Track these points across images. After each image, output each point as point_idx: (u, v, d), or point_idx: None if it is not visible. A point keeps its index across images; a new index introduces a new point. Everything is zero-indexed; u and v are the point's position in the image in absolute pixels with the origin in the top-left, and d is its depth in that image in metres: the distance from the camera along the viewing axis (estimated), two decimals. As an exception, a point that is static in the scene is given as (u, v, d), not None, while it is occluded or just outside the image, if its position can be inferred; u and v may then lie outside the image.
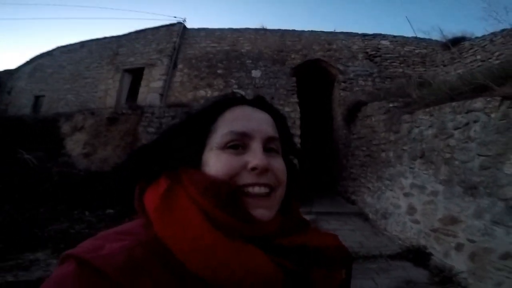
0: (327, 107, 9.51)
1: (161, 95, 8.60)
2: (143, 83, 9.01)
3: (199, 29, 10.08)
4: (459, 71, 7.56)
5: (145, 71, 9.11)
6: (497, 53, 6.81)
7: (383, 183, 4.83)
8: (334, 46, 9.30)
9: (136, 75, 9.59)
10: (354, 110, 6.85)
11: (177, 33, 9.59)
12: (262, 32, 9.84)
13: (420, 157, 3.89)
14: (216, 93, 8.48)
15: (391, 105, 5.23)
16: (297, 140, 5.49)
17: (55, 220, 4.09)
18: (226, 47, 9.47)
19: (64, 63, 10.77)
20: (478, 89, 3.21)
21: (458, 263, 2.94)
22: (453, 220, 3.13)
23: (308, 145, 6.87)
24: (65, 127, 6.93)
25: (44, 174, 5.18)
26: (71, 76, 10.34)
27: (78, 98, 9.84)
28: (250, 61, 8.97)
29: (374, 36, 9.69)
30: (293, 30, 9.86)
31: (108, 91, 9.38)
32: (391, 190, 4.56)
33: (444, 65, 8.46)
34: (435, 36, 10.13)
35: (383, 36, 9.68)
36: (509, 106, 2.66)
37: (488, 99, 2.89)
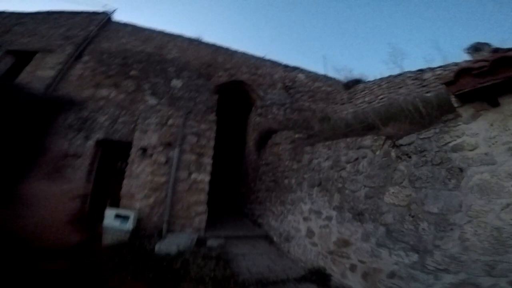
0: (242, 131, 9.45)
1: (48, 86, 6.75)
2: (28, 68, 6.95)
3: (126, 24, 8.77)
4: (351, 110, 8.74)
5: (37, 56, 7.09)
6: (380, 96, 8.07)
7: (286, 207, 4.79)
8: (260, 72, 9.53)
9: (23, 59, 7.40)
10: (265, 137, 6.98)
11: (98, 22, 8.05)
12: (196, 42, 9.31)
13: (318, 185, 3.96)
14: (122, 95, 7.24)
15: (296, 135, 5.48)
16: (208, 160, 4.95)
17: None
18: (150, 50, 8.45)
19: None
20: (367, 127, 3.45)
21: (354, 282, 3.02)
22: (346, 243, 3.26)
23: (220, 166, 6.42)
24: None
25: None
26: None
27: None
28: (174, 69, 8.17)
29: (294, 68, 10.46)
30: (227, 48, 9.70)
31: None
32: (292, 214, 4.54)
33: (342, 103, 9.67)
34: (342, 75, 11.65)
35: (301, 70, 10.56)
36: (390, 145, 2.85)
37: (375, 138, 3.09)
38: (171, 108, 7.21)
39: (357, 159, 3.34)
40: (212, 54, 9.24)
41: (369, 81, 9.30)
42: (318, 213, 3.90)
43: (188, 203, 4.71)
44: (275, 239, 5.06)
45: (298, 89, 9.71)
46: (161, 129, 5.06)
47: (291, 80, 9.88)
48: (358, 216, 3.14)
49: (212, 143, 5.12)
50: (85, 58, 7.58)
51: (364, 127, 3.60)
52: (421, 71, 7.41)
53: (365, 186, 3.13)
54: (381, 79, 8.56)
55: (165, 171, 4.77)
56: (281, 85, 9.50)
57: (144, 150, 4.88)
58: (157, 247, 3.83)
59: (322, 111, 8.99)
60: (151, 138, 5.00)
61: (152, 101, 7.25)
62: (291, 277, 3.64)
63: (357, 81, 9.87)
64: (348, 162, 3.49)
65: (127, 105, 6.88)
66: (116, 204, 5.69)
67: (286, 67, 10.39)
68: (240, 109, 9.71)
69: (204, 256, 3.76)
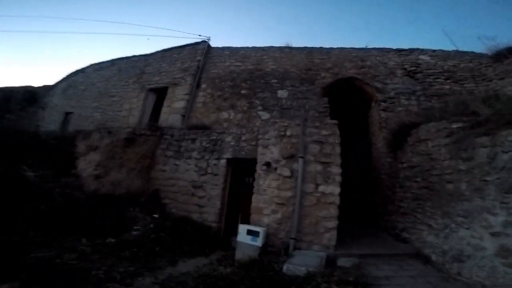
0: (363, 130, 8.50)
1: (183, 116, 8.15)
2: (165, 103, 8.69)
3: (223, 48, 9.80)
4: None
5: (169, 91, 8.82)
6: None
7: (453, 219, 3.77)
8: (368, 63, 8.46)
9: (161, 94, 9.36)
10: (400, 134, 5.86)
11: (201, 51, 9.35)
12: (287, 50, 9.31)
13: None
14: (239, 115, 7.88)
15: (454, 126, 4.17)
16: (336, 170, 4.56)
17: (43, 246, 3.47)
18: (250, 66, 9.01)
19: (95, 80, 10.94)
20: None
21: None
22: None
23: (349, 174, 5.85)
24: (81, 146, 6.58)
25: (44, 194, 4.68)
26: (99, 94, 10.41)
27: (103, 116, 9.75)
28: (276, 81, 8.36)
29: (411, 51, 8.75)
30: (321, 48, 9.22)
31: (131, 110, 9.18)
32: (467, 228, 3.49)
33: (501, 78, 7.23)
34: (476, 49, 8.92)
35: (421, 51, 8.70)
36: None
37: None
38: (283, 119, 7.31)
39: None
40: (307, 57, 8.93)
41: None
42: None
43: (316, 218, 4.41)
44: (433, 258, 4.06)
45: (427, 72, 7.97)
46: (280, 142, 5.03)
47: (413, 64, 8.25)
48: None
49: (338, 149, 4.67)
50: (203, 86, 8.79)
51: None
52: None
53: None
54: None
55: (291, 185, 4.66)
56: (402, 72, 8.06)
57: (267, 164, 4.97)
58: (285, 268, 3.64)
59: (473, 91, 7.00)
60: (273, 152, 5.05)
61: (264, 115, 7.59)
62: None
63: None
64: None
65: (245, 124, 7.46)
66: (245, 218, 6.09)
67: (399, 51, 8.83)
68: (352, 108, 8.87)
69: (339, 280, 3.27)
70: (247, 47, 9.61)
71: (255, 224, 4.75)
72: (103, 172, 6.01)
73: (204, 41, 9.74)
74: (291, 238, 4.38)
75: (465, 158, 3.68)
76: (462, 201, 3.61)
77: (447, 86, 7.66)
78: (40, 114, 11.74)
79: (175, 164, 6.68)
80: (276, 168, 4.90)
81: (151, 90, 9.36)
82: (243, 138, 6.05)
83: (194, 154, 6.52)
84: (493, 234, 3.10)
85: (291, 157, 4.84)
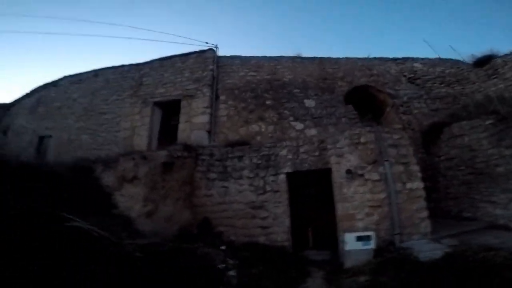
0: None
1: (208, 132, 7.71)
2: (182, 118, 8.11)
3: (232, 57, 9.76)
4: (500, 85, 8.20)
5: (183, 104, 8.27)
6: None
7: None
8: (375, 71, 9.55)
9: (168, 108, 8.67)
10: (430, 133, 6.99)
11: (211, 60, 9.10)
12: (298, 60, 9.84)
13: None
14: (271, 127, 7.89)
15: (487, 122, 5.68)
16: (415, 168, 5.21)
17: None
18: (266, 76, 9.20)
19: (75, 95, 9.48)
20: None
21: None
22: None
23: None
24: (108, 178, 5.58)
25: (113, 250, 3.78)
26: (84, 111, 9.06)
27: (95, 139, 8.53)
28: (298, 90, 8.72)
29: (405, 59, 10.23)
30: (329, 58, 10.03)
31: (135, 129, 8.27)
32: None
33: (483, 81, 9.03)
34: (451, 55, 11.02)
35: (413, 59, 10.26)
36: None
37: None
38: (316, 127, 7.65)
39: None
40: (319, 67, 9.61)
41: (506, 55, 8.66)
42: None
43: (410, 211, 4.95)
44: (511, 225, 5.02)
45: (424, 78, 9.40)
46: (356, 149, 5.36)
47: (411, 72, 9.65)
48: None
49: (411, 150, 5.30)
50: (222, 97, 8.57)
51: None
52: None
53: None
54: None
55: (381, 187, 5.04)
56: (405, 79, 9.31)
57: (349, 172, 5.18)
58: (421, 256, 4.06)
59: (462, 93, 8.61)
60: (350, 160, 5.34)
61: (298, 126, 7.79)
62: None
63: (489, 57, 9.22)
64: None
65: (279, 135, 7.52)
66: (317, 231, 6.10)
67: (395, 59, 10.24)
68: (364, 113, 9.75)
69: (477, 249, 3.75)
70: (258, 56, 9.78)
71: (346, 231, 4.95)
72: (153, 207, 5.30)
73: (211, 49, 9.49)
74: (395, 234, 4.81)
75: (507, 145, 5.04)
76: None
77: (444, 90, 9.19)
78: (1, 140, 9.47)
79: (224, 187, 6.33)
80: (362, 175, 5.15)
81: (156, 104, 8.58)
82: (302, 150, 6.14)
83: (245, 172, 6.30)
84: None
85: (373, 162, 5.16)
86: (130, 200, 5.26)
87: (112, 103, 8.95)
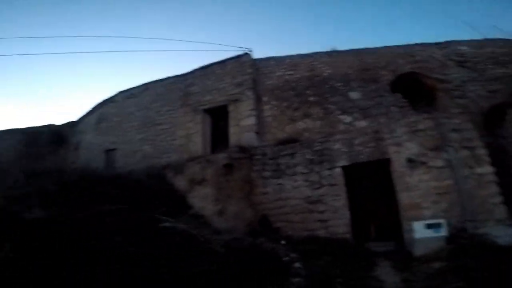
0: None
1: (257, 133, 8.12)
2: (231, 122, 8.62)
3: (267, 58, 10.10)
4: None
5: (230, 108, 8.80)
6: None
7: None
8: (418, 58, 9.29)
9: (215, 114, 9.27)
10: (492, 115, 6.69)
11: (249, 64, 9.51)
12: (335, 54, 9.88)
13: None
14: (318, 123, 8.09)
15: None
16: (482, 151, 5.17)
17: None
18: (305, 73, 9.39)
19: (131, 109, 10.50)
20: None
21: None
22: None
23: None
24: (179, 182, 6.28)
25: (205, 247, 4.25)
26: (142, 123, 10.03)
27: (155, 148, 9.42)
28: (340, 84, 8.80)
29: (448, 43, 9.75)
30: (367, 48, 9.91)
31: (190, 136, 8.95)
32: None
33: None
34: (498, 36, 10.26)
35: (458, 42, 9.75)
36: None
37: None
38: (366, 119, 7.68)
39: None
40: (357, 59, 9.55)
41: None
42: None
43: (481, 198, 4.90)
44: None
45: (474, 60, 8.93)
46: (415, 136, 5.35)
47: (458, 55, 9.21)
48: None
49: (475, 133, 5.20)
50: (264, 99, 8.95)
51: None
52: None
53: None
54: None
55: (447, 173, 5.01)
56: (452, 63, 8.93)
57: (411, 160, 5.21)
58: (501, 241, 3.98)
59: None
60: (409, 148, 5.36)
61: (346, 119, 7.90)
62: None
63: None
64: None
65: (329, 130, 7.66)
66: (377, 222, 6.18)
67: (437, 44, 9.79)
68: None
69: None
70: (292, 55, 10.01)
71: (413, 219, 4.98)
72: (222, 207, 5.84)
73: (246, 54, 9.90)
74: (467, 221, 4.75)
75: None
76: None
77: (500, 70, 8.61)
78: (72, 154, 10.88)
79: (279, 184, 6.66)
80: (424, 162, 5.14)
81: (205, 111, 9.23)
82: (356, 142, 6.27)
83: (299, 168, 6.59)
84: None
85: (435, 149, 5.13)
86: (202, 200, 5.84)
87: (165, 114, 9.79)
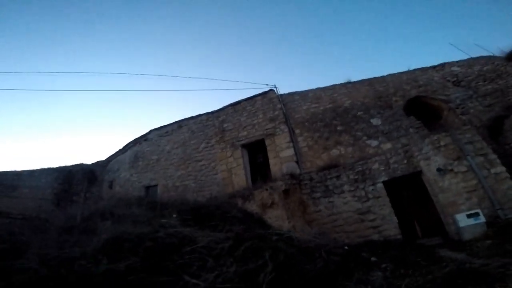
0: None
1: (297, 162, 9.95)
2: (270, 154, 10.44)
3: (292, 93, 12.29)
4: None
5: (267, 142, 10.66)
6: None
7: None
8: (421, 82, 11.71)
9: (251, 148, 11.06)
10: (495, 125, 8.83)
11: (277, 99, 11.61)
12: (350, 85, 12.20)
13: None
14: (349, 149, 10.03)
15: None
16: (492, 156, 7.14)
17: None
18: (328, 105, 11.54)
19: (167, 147, 12.16)
20: None
21: None
22: None
23: None
24: (251, 207, 7.73)
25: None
26: (181, 160, 11.66)
27: (197, 183, 10.96)
28: (361, 112, 10.92)
29: (443, 65, 12.33)
30: (376, 78, 12.32)
31: (232, 170, 10.61)
32: None
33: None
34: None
35: (450, 63, 12.33)
36: None
37: None
38: (390, 141, 9.70)
39: None
40: (370, 87, 11.89)
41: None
42: None
43: (502, 191, 6.71)
44: None
45: (467, 79, 11.41)
46: (439, 151, 7.34)
47: (453, 76, 11.70)
48: None
49: (484, 144, 7.28)
50: (297, 131, 10.89)
51: None
52: None
53: None
54: None
55: (470, 175, 6.92)
56: (450, 83, 11.37)
57: (440, 169, 7.14)
58: None
59: (507, 86, 10.54)
60: (436, 160, 7.31)
61: (373, 143, 9.89)
62: None
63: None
64: None
65: (359, 154, 9.60)
66: (425, 224, 7.91)
67: (433, 67, 12.38)
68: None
69: None
70: (313, 89, 12.27)
71: (452, 214, 6.77)
72: (293, 224, 7.40)
73: (271, 90, 12.07)
74: (497, 209, 6.52)
75: None
76: None
77: (489, 86, 11.08)
78: (108, 192, 12.14)
79: (330, 202, 8.38)
80: (451, 169, 7.06)
81: (243, 146, 11.03)
82: (391, 161, 8.20)
83: (346, 187, 8.39)
84: None
85: (457, 158, 7.10)
86: (277, 220, 7.42)
87: (203, 150, 11.52)
